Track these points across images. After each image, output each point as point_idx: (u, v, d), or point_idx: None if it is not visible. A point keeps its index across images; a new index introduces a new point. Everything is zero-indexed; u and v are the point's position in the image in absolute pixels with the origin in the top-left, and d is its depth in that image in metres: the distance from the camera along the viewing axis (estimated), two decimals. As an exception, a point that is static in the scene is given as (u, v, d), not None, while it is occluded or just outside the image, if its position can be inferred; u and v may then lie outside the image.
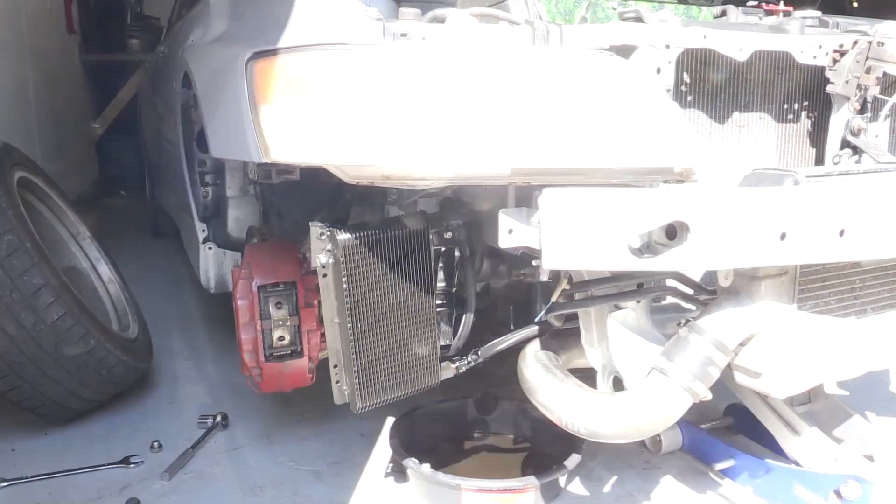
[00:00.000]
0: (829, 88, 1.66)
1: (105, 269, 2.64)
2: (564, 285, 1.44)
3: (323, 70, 1.37)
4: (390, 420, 2.23)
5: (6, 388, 2.08)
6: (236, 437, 2.29)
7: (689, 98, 1.61)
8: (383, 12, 1.43)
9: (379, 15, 1.42)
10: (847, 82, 1.65)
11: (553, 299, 1.45)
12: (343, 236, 1.52)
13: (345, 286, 1.54)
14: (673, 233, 1.25)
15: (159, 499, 1.97)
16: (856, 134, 1.71)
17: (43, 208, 2.52)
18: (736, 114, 1.68)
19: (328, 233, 1.53)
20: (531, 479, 1.87)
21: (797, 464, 1.88)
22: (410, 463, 1.94)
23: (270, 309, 1.92)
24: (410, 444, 2.07)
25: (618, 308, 1.46)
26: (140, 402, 2.45)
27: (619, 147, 1.30)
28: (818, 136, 1.77)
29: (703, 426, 2.16)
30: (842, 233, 1.30)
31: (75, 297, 2.12)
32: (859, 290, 1.51)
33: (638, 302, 1.47)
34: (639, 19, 1.52)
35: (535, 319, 1.57)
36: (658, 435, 2.07)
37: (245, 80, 1.50)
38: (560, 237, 1.26)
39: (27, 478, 2.02)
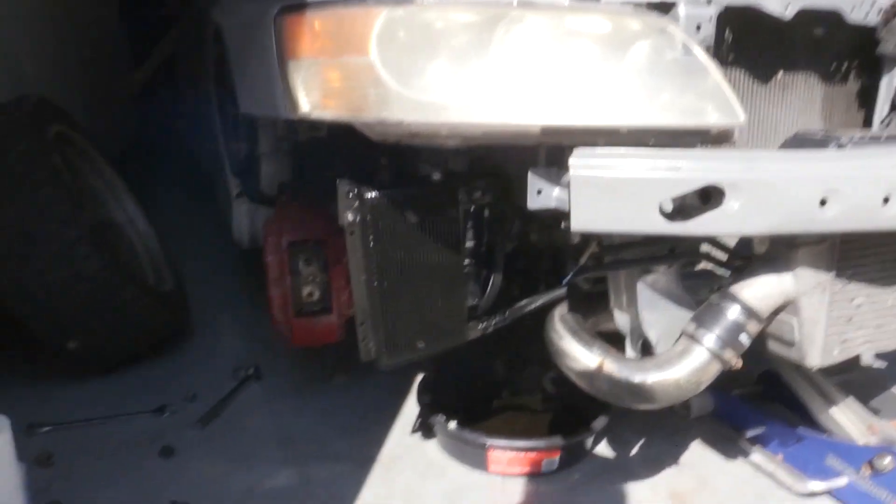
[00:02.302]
0: (879, 49, 1.58)
1: (142, 223, 2.68)
2: (594, 248, 1.41)
3: (349, 26, 1.35)
4: (420, 376, 2.24)
5: (46, 336, 2.14)
6: (269, 390, 2.33)
7: (731, 56, 1.55)
8: None
9: None
10: (900, 42, 1.57)
11: (581, 262, 1.43)
12: (370, 194, 1.51)
13: (371, 244, 1.53)
14: (707, 197, 1.22)
15: (192, 447, 2.03)
16: (907, 96, 1.63)
17: (81, 163, 2.55)
18: (780, 74, 1.61)
19: (355, 191, 1.52)
20: (556, 440, 1.88)
21: (830, 434, 1.85)
22: (437, 420, 1.96)
23: (300, 266, 1.93)
24: (439, 401, 2.08)
25: (648, 272, 1.43)
26: (176, 354, 2.50)
27: (654, 106, 1.26)
28: (867, 99, 1.69)
29: (735, 392, 2.13)
30: (886, 200, 1.25)
31: (111, 250, 2.16)
32: (903, 259, 1.46)
33: (669, 266, 1.44)
34: (680, -27, 1.45)
35: (563, 282, 1.55)
36: (688, 399, 2.05)
37: (273, 36, 1.49)
38: (589, 199, 1.24)
39: (65, 423, 2.09)
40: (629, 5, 1.35)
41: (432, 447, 2.03)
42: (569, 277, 1.48)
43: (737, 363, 1.39)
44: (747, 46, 1.55)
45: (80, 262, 2.05)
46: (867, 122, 1.70)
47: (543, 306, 1.70)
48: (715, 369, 1.37)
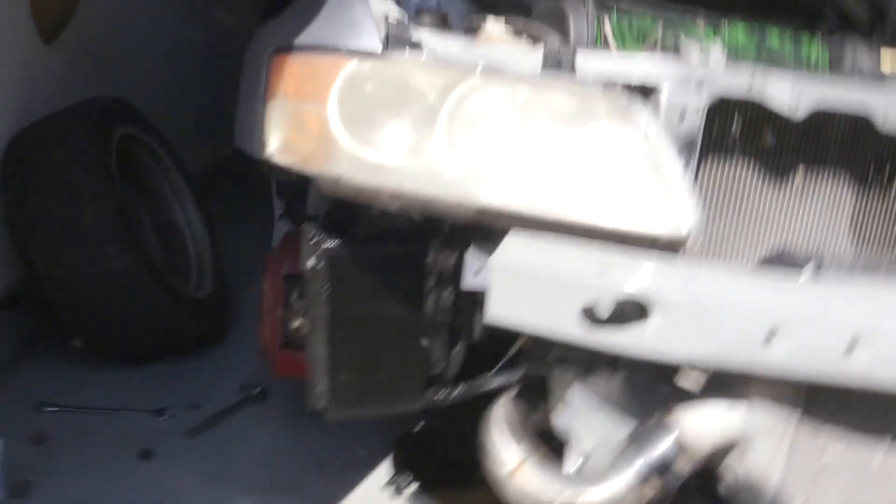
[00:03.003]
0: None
1: (200, 229, 2.80)
2: (523, 342, 1.30)
3: (319, 72, 1.34)
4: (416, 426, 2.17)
5: (71, 323, 2.28)
6: (268, 412, 2.34)
7: (737, 151, 1.39)
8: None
9: (402, 20, 1.36)
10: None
11: (508, 356, 1.32)
12: (330, 244, 1.48)
13: (327, 293, 1.50)
14: (635, 312, 1.09)
15: (173, 454, 2.07)
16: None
17: (151, 164, 2.71)
18: (799, 178, 1.43)
19: (318, 237, 1.50)
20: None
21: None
22: (398, 480, 1.89)
23: (292, 298, 1.93)
24: (420, 457, 2.01)
25: (589, 373, 1.30)
26: (198, 359, 2.56)
27: (593, 203, 1.15)
28: (912, 220, 1.46)
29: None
30: (851, 348, 1.06)
31: (142, 253, 2.27)
32: (903, 413, 1.23)
33: (612, 373, 1.30)
34: (675, 48, 1.32)
35: (489, 375, 1.44)
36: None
37: (265, 74, 1.50)
38: (506, 290, 1.14)
39: (71, 407, 2.20)
40: (599, 86, 1.24)
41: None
42: (495, 370, 1.37)
43: (665, 499, 1.22)
44: (756, 143, 1.39)
45: (110, 261, 2.17)
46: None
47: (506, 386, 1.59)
48: (634, 501, 1.22)
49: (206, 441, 2.16)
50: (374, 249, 1.52)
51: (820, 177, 1.44)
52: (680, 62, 1.26)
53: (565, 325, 1.09)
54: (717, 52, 1.30)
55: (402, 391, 1.61)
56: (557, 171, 1.18)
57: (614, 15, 1.59)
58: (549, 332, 1.12)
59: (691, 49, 1.31)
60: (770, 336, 1.05)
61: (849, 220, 1.46)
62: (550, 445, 1.42)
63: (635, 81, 1.26)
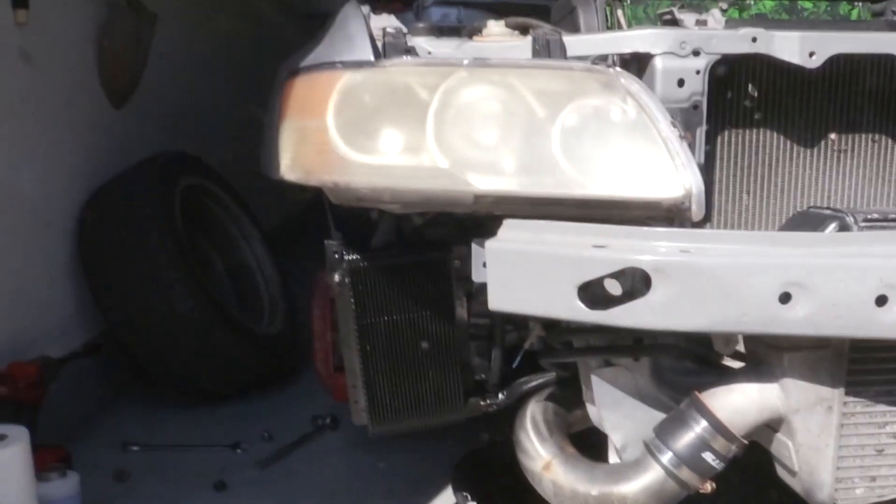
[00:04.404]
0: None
1: (269, 269, 2.90)
2: (539, 331, 1.25)
3: (316, 88, 1.37)
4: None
5: (147, 363, 2.39)
6: (338, 440, 2.37)
7: (757, 116, 1.30)
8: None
9: (396, 32, 1.38)
10: None
11: (525, 346, 1.27)
12: (353, 257, 1.50)
13: (354, 307, 1.51)
14: (636, 283, 1.03)
15: (245, 486, 2.13)
16: None
17: (219, 211, 2.84)
18: (833, 135, 1.32)
19: (341, 252, 1.51)
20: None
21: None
22: (459, 498, 1.85)
23: (341, 321, 1.95)
24: (482, 478, 1.96)
25: (609, 364, 1.23)
26: (273, 393, 2.63)
27: (585, 175, 1.10)
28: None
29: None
30: (882, 301, 0.95)
31: (207, 293, 2.37)
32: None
33: (635, 359, 1.22)
34: (672, 21, 1.26)
35: (513, 365, 1.39)
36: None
37: (279, 98, 1.55)
38: (506, 275, 1.11)
39: (153, 446, 2.30)
40: (586, 62, 1.20)
41: (466, 525, 1.91)
42: (516, 361, 1.32)
43: (703, 487, 1.13)
44: (777, 102, 1.30)
45: (176, 302, 2.28)
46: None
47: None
48: (672, 490, 1.13)
49: (277, 471, 2.20)
50: (395, 258, 1.52)
51: (857, 132, 1.32)
52: (673, 29, 1.21)
53: (566, 304, 1.04)
54: (715, 14, 1.24)
55: (441, 401, 1.59)
56: (550, 150, 1.14)
57: (627, 4, 1.55)
58: (550, 313, 1.07)
59: (687, 17, 1.25)
60: (786, 295, 0.96)
61: (897, 175, 1.34)
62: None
63: (627, 53, 1.21)
